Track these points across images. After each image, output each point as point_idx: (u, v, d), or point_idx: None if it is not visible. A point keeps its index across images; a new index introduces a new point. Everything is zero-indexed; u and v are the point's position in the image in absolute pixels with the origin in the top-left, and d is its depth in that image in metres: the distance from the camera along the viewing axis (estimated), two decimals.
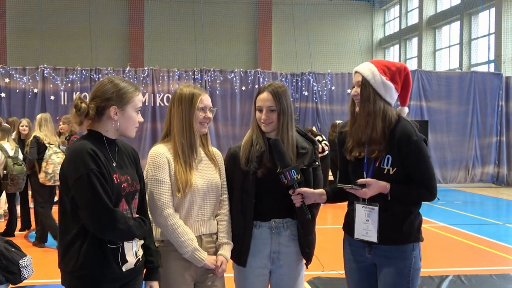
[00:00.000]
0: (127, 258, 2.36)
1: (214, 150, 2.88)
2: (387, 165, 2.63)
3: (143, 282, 2.55)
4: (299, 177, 2.69)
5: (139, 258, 2.45)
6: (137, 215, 2.46)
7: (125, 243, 2.35)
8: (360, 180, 2.62)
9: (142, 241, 2.49)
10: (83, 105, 2.32)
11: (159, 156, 2.65)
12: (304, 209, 2.73)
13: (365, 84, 2.65)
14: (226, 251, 2.76)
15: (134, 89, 2.40)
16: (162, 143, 2.74)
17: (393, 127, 2.64)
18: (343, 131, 2.86)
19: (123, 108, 2.36)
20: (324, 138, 11.16)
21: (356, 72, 2.74)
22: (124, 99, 2.36)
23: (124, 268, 2.34)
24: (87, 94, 13.58)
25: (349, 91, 14.52)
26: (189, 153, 2.68)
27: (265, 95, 2.83)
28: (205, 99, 2.74)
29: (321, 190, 2.81)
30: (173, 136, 2.70)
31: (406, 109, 2.77)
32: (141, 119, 2.46)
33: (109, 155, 2.35)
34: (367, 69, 2.68)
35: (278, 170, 2.70)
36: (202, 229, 2.72)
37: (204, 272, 2.72)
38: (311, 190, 2.76)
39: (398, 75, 2.70)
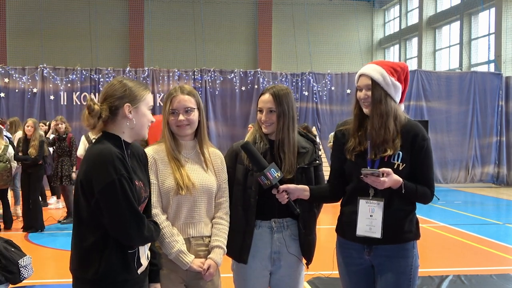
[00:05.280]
0: (141, 261, 2.34)
1: (214, 152, 2.83)
2: (397, 160, 2.65)
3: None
4: (279, 174, 2.68)
5: (149, 260, 2.44)
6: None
7: (140, 247, 2.33)
8: (381, 169, 2.58)
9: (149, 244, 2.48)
10: (96, 106, 2.26)
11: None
12: (291, 205, 2.71)
13: (376, 86, 2.67)
14: (216, 254, 2.69)
15: (144, 87, 2.38)
16: (154, 144, 2.75)
17: (404, 125, 2.68)
18: (342, 129, 2.85)
19: (137, 106, 2.32)
20: (319, 142, 11.11)
21: (362, 75, 2.73)
22: (136, 96, 2.32)
23: (139, 272, 2.32)
24: (87, 94, 13.61)
25: (348, 91, 14.52)
26: (170, 155, 2.67)
27: (266, 96, 2.84)
28: (177, 101, 2.68)
29: (304, 186, 2.79)
30: (163, 138, 2.73)
31: (402, 106, 2.80)
32: (153, 119, 2.42)
33: (127, 160, 2.29)
34: (376, 71, 2.69)
35: (257, 173, 2.68)
36: (191, 232, 2.67)
37: (196, 275, 2.67)
38: (293, 185, 2.74)
39: (402, 75, 2.74)
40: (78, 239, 2.26)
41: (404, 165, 2.64)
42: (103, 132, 2.31)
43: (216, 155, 2.82)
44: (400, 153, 2.65)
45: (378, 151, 2.66)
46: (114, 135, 2.30)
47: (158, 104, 13.78)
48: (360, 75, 2.74)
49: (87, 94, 13.64)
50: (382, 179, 2.55)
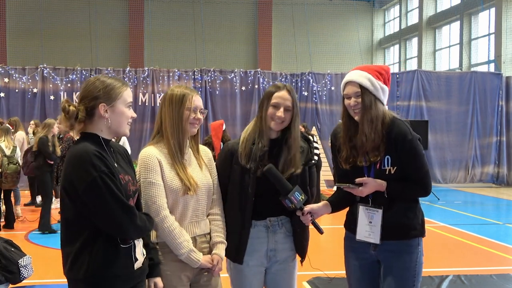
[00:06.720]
0: (137, 256, 2.34)
1: (203, 149, 2.88)
2: (387, 166, 2.68)
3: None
4: (303, 197, 2.71)
5: (145, 256, 2.44)
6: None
7: (135, 241, 2.33)
8: (358, 180, 2.67)
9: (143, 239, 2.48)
10: (71, 107, 2.25)
11: (150, 158, 2.62)
12: (316, 226, 2.78)
13: (365, 92, 2.67)
14: (220, 250, 2.75)
15: (121, 84, 2.34)
16: (153, 144, 2.72)
17: (388, 127, 2.68)
18: (336, 134, 2.89)
19: (113, 105, 2.29)
20: (316, 140, 11.05)
21: (349, 82, 2.73)
22: (112, 95, 2.29)
23: (135, 267, 2.32)
24: None
25: None
26: (178, 153, 2.67)
27: (285, 93, 2.81)
28: (196, 100, 2.71)
29: (325, 202, 2.86)
30: (166, 137, 2.68)
31: (386, 107, 2.81)
32: (134, 115, 2.39)
33: (109, 156, 2.28)
34: (363, 77, 2.70)
35: (281, 197, 2.69)
36: (196, 230, 2.71)
37: (199, 272, 2.72)
38: (316, 205, 2.79)
39: (386, 77, 2.77)
40: (67, 241, 2.26)
41: (396, 167, 2.67)
42: (81, 133, 2.31)
43: (205, 151, 2.88)
44: (388, 157, 2.67)
45: (369, 157, 2.70)
46: (92, 133, 2.30)
47: (158, 104, 13.78)
48: (347, 83, 2.74)
49: None
50: (360, 189, 2.66)
